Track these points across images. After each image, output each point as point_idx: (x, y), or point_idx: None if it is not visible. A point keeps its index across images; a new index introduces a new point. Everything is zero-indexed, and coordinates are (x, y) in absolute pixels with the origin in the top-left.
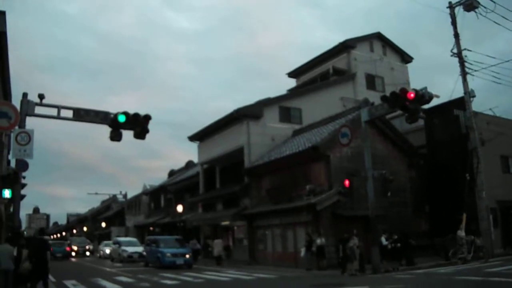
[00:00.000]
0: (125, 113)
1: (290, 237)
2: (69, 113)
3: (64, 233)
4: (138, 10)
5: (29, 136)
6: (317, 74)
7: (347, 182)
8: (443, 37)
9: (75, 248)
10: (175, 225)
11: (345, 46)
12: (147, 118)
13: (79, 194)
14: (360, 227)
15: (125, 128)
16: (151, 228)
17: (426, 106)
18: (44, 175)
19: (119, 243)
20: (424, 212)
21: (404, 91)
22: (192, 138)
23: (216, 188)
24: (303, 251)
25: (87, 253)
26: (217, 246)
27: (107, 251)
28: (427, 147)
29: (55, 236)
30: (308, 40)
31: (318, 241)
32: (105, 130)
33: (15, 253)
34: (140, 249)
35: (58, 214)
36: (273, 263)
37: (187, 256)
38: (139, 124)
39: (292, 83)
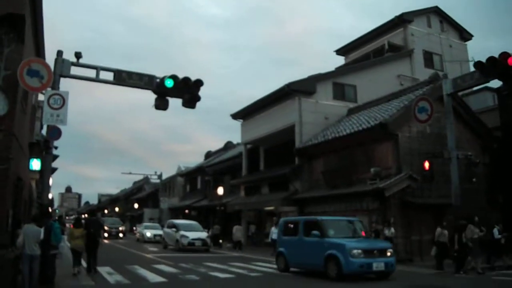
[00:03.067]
0: (173, 77)
1: None
2: (110, 76)
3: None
4: None
5: (63, 99)
6: (370, 50)
7: (427, 164)
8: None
9: (107, 229)
10: (214, 209)
11: (402, 20)
12: (199, 83)
13: (110, 175)
14: (430, 217)
15: (172, 95)
16: (186, 211)
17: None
18: (76, 155)
19: (176, 227)
20: (497, 202)
21: (505, 56)
22: (235, 116)
23: (260, 170)
24: None
25: (120, 235)
26: (238, 231)
27: (148, 234)
28: (501, 129)
29: (86, 215)
30: (335, 28)
31: (387, 231)
32: (135, 113)
33: (42, 236)
34: (203, 235)
35: (90, 194)
36: None
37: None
38: (189, 90)
39: (340, 61)
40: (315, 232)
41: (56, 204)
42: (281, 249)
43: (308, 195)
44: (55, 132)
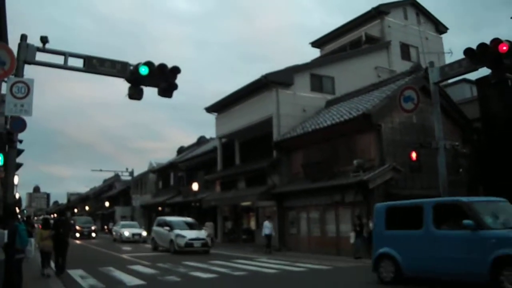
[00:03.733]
0: (148, 64)
1: (331, 220)
2: (79, 63)
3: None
4: None
5: (27, 87)
6: (346, 42)
7: (414, 155)
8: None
9: (79, 228)
10: (189, 205)
11: (378, 12)
12: (176, 71)
13: (78, 173)
14: None
15: (147, 83)
16: (159, 208)
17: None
18: (43, 154)
19: (169, 225)
20: (477, 193)
21: (496, 42)
22: (209, 109)
23: (236, 164)
24: (352, 237)
25: (93, 234)
26: (208, 228)
27: (126, 233)
28: (481, 120)
29: (55, 215)
30: (306, 23)
31: (371, 225)
32: (103, 109)
33: (5, 238)
34: (203, 234)
35: (58, 193)
36: (308, 249)
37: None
38: (165, 78)
39: (313, 54)
40: (467, 222)
41: (24, 204)
42: (386, 249)
43: (287, 189)
44: (19, 124)
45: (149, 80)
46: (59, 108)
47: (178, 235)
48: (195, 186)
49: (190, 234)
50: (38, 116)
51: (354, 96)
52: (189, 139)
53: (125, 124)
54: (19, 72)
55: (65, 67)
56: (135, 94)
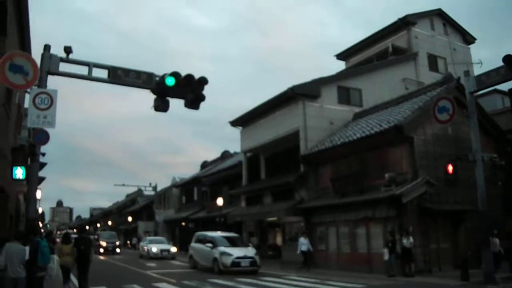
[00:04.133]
0: (175, 75)
1: (362, 236)
2: (103, 73)
3: (87, 227)
4: (157, 9)
5: (51, 99)
6: (372, 54)
7: (450, 168)
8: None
9: (103, 244)
10: (213, 220)
11: (405, 23)
12: (203, 82)
13: (101, 188)
14: (447, 224)
15: (173, 95)
16: (183, 224)
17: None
18: (66, 168)
19: (212, 242)
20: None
21: None
22: (234, 123)
23: (261, 179)
24: (386, 253)
25: (117, 250)
26: None
27: (154, 249)
28: None
29: (74, 230)
30: (324, 38)
31: (405, 241)
32: (126, 125)
33: (27, 255)
34: (251, 252)
35: (81, 208)
36: (338, 266)
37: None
38: (192, 89)
39: (338, 66)
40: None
41: (47, 218)
42: None
43: (315, 204)
44: (42, 136)
45: (176, 91)
46: (82, 124)
47: (223, 253)
48: (219, 201)
49: (236, 252)
50: (62, 131)
51: (383, 108)
52: (211, 154)
53: (148, 139)
54: (42, 83)
55: (89, 77)
56: (161, 106)
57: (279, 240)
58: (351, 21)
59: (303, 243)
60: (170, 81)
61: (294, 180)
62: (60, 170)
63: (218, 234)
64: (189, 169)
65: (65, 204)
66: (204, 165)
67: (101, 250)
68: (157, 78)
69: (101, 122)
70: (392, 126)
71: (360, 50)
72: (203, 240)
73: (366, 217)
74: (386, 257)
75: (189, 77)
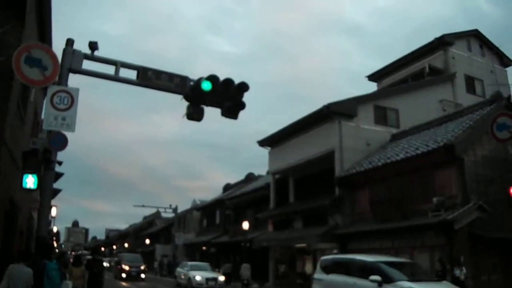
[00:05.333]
0: (212, 79)
1: None
2: (132, 74)
3: (103, 249)
4: (183, 34)
5: (71, 98)
6: (407, 74)
7: None
8: None
9: (126, 268)
10: (237, 245)
11: (442, 43)
12: (243, 88)
13: (118, 210)
14: (498, 253)
15: (209, 102)
16: (204, 248)
17: None
18: (83, 189)
19: (382, 273)
20: None
21: None
22: (262, 143)
23: (290, 202)
24: None
25: (142, 276)
26: (245, 270)
27: (198, 278)
28: None
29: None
30: (347, 66)
31: (457, 272)
32: (144, 146)
33: (32, 280)
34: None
35: (97, 229)
36: None
37: None
38: (230, 96)
39: (372, 87)
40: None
41: (62, 238)
42: None
43: (353, 230)
44: (59, 140)
45: (212, 98)
46: (100, 145)
47: None
48: (245, 225)
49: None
50: (79, 151)
51: (424, 129)
52: (228, 179)
53: (165, 162)
54: (62, 81)
55: (116, 78)
56: (194, 114)
57: (309, 267)
58: (371, 49)
59: None
60: (207, 86)
61: (329, 204)
62: (77, 190)
63: (382, 259)
64: (206, 193)
65: (81, 225)
66: (227, 187)
67: (123, 275)
68: (192, 83)
69: (119, 143)
70: (441, 145)
71: (393, 71)
72: (354, 269)
73: (411, 245)
74: None
75: (228, 82)
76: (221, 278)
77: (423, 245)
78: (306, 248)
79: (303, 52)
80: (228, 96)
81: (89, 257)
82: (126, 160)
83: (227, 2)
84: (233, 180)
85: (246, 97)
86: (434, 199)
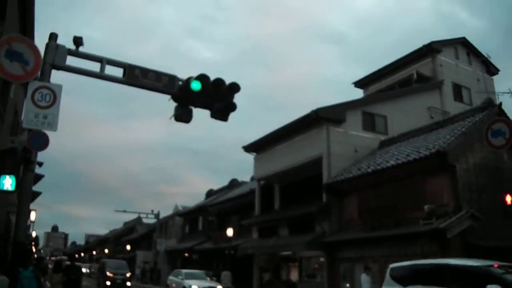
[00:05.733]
0: (202, 78)
1: None
2: (118, 72)
3: (82, 254)
4: (164, 39)
5: (53, 95)
6: (395, 81)
7: (509, 198)
8: None
9: (110, 275)
10: (221, 252)
11: (430, 49)
12: (234, 88)
13: (98, 215)
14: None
15: (198, 103)
16: (186, 255)
17: None
18: (63, 194)
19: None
20: None
21: None
22: (247, 149)
23: (275, 209)
24: None
25: (128, 283)
26: (225, 277)
27: (194, 287)
28: None
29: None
30: (327, 73)
31: None
32: (125, 152)
33: None
34: None
35: (77, 234)
36: None
37: None
38: (221, 97)
39: (354, 95)
40: None
41: (41, 243)
42: None
43: (342, 238)
44: (39, 140)
45: (202, 98)
46: (80, 151)
47: None
48: (229, 232)
49: None
50: (60, 156)
51: (414, 136)
52: (209, 185)
53: (145, 168)
54: (44, 77)
55: (101, 75)
56: (183, 115)
57: (294, 276)
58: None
59: (365, 281)
60: (196, 86)
61: (316, 211)
62: (57, 195)
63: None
64: (187, 199)
65: (60, 230)
66: (210, 193)
67: (107, 283)
68: (180, 83)
69: (100, 150)
70: (434, 152)
71: (381, 78)
72: (451, 278)
73: (401, 253)
74: None
75: (219, 82)
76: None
77: (415, 253)
78: (291, 256)
79: (283, 60)
80: (218, 97)
81: (67, 263)
82: (107, 166)
83: (209, 10)
84: (214, 186)
85: None
86: (426, 207)
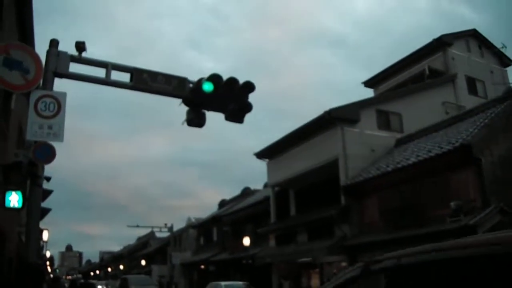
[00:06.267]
0: (214, 79)
1: None
2: (125, 77)
3: (98, 272)
4: (165, 51)
5: (58, 104)
6: (407, 77)
7: None
8: None
9: None
10: (238, 262)
11: (441, 43)
12: (249, 88)
13: (111, 232)
14: None
15: (211, 105)
16: (202, 267)
17: None
18: (74, 213)
19: None
20: None
21: None
22: (259, 155)
23: (291, 215)
24: None
25: None
26: None
27: None
28: None
29: (89, 274)
30: (331, 79)
31: None
32: (134, 169)
33: None
34: None
35: (91, 252)
36: None
37: None
38: (235, 98)
39: (362, 95)
40: None
41: (56, 263)
42: None
43: (364, 240)
44: (45, 152)
45: (214, 100)
46: (90, 168)
47: None
48: (246, 241)
49: None
50: (69, 175)
51: (432, 131)
52: (220, 196)
53: (154, 183)
54: (47, 86)
55: (107, 81)
56: (195, 119)
57: (316, 283)
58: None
59: None
60: (208, 87)
61: (336, 214)
62: (69, 214)
63: None
64: (198, 212)
65: (74, 249)
66: (223, 203)
67: None
68: (191, 85)
69: (108, 166)
70: (457, 146)
71: (391, 75)
72: None
73: None
74: None
75: (232, 81)
76: None
77: None
78: (311, 262)
79: (285, 67)
80: (232, 98)
81: (82, 281)
82: (117, 183)
83: (209, 20)
84: (226, 196)
85: None
86: (452, 204)
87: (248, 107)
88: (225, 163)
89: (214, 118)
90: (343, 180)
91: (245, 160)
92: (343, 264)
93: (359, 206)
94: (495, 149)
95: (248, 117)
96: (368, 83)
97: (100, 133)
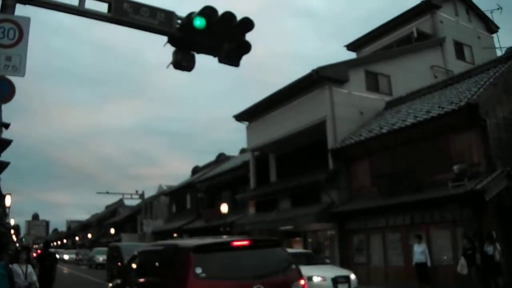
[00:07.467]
0: (206, 13)
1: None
2: (103, 7)
3: (65, 240)
4: None
5: (19, 31)
6: (393, 40)
7: None
8: None
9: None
10: (215, 230)
11: (430, 5)
12: (246, 25)
13: (79, 201)
14: None
15: (202, 45)
16: (175, 235)
17: None
18: (41, 182)
19: None
20: None
21: None
22: (239, 117)
23: (272, 181)
24: (463, 266)
25: None
26: None
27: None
28: None
29: (56, 243)
30: (300, 50)
31: (490, 249)
32: (103, 137)
33: None
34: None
35: (58, 221)
36: (384, 282)
37: None
38: (230, 37)
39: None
40: None
41: (22, 232)
42: None
43: (355, 207)
44: (2, 88)
45: (206, 39)
46: (55, 137)
47: None
48: (224, 208)
49: None
50: (35, 144)
51: (425, 93)
52: (190, 166)
53: (123, 151)
54: (6, 11)
55: (81, 11)
56: (183, 61)
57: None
58: (324, 32)
59: (418, 251)
60: (200, 23)
61: (324, 179)
62: (35, 183)
63: None
64: (169, 180)
65: (41, 217)
66: (196, 170)
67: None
68: (179, 20)
69: (75, 135)
70: (463, 105)
71: (377, 38)
72: None
73: (427, 221)
74: (465, 270)
75: (228, 16)
76: (353, 276)
77: (442, 220)
78: (294, 230)
79: (255, 36)
80: (228, 35)
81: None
82: (84, 151)
83: None
84: (188, 167)
85: (203, 81)
86: (455, 167)
87: (247, 47)
88: (194, 132)
89: (182, 87)
90: (331, 143)
91: (215, 129)
92: (329, 232)
93: (349, 171)
94: (499, 111)
95: (216, 86)
96: (351, 46)
97: (64, 101)
